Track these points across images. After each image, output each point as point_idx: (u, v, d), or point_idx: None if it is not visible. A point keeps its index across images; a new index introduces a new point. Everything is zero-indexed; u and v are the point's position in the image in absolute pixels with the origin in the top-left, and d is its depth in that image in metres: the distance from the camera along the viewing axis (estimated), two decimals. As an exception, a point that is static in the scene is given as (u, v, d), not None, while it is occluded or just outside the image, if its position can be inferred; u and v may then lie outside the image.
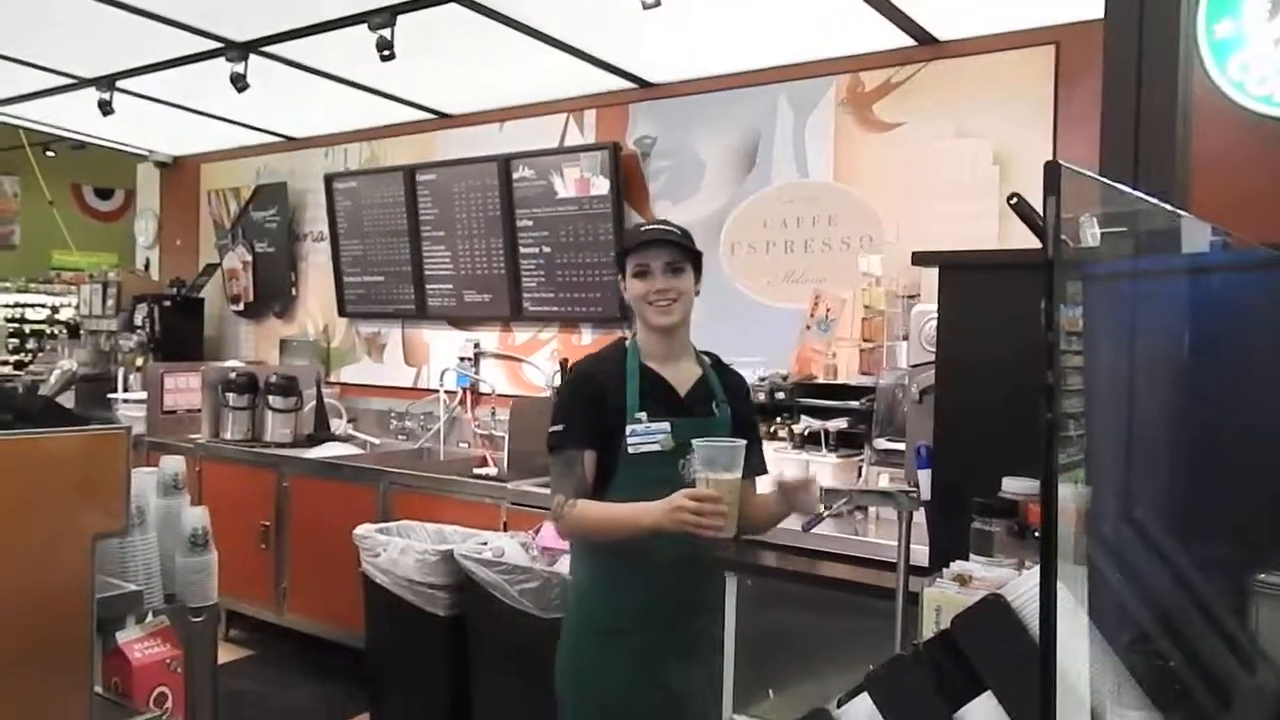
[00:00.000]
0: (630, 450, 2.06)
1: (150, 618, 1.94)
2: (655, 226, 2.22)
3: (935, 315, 2.96)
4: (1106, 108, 1.83)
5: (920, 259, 1.76)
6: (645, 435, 2.06)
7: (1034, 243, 0.98)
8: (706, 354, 2.34)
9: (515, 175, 4.78)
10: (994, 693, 1.02)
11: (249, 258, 6.09)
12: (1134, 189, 1.20)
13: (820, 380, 3.76)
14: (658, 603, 2.08)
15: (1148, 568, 1.29)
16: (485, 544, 3.54)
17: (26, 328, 10.97)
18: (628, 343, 2.23)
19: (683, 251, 2.15)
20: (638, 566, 2.07)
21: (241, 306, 6.17)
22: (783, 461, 3.44)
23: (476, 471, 4.54)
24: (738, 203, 4.25)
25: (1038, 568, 1.03)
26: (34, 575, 1.41)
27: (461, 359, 5.10)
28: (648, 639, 2.08)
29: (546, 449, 2.09)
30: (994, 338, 1.67)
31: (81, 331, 6.71)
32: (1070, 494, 1.10)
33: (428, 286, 5.22)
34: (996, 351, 1.66)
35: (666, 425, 2.08)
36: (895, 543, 1.73)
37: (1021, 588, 1.02)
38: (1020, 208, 1.75)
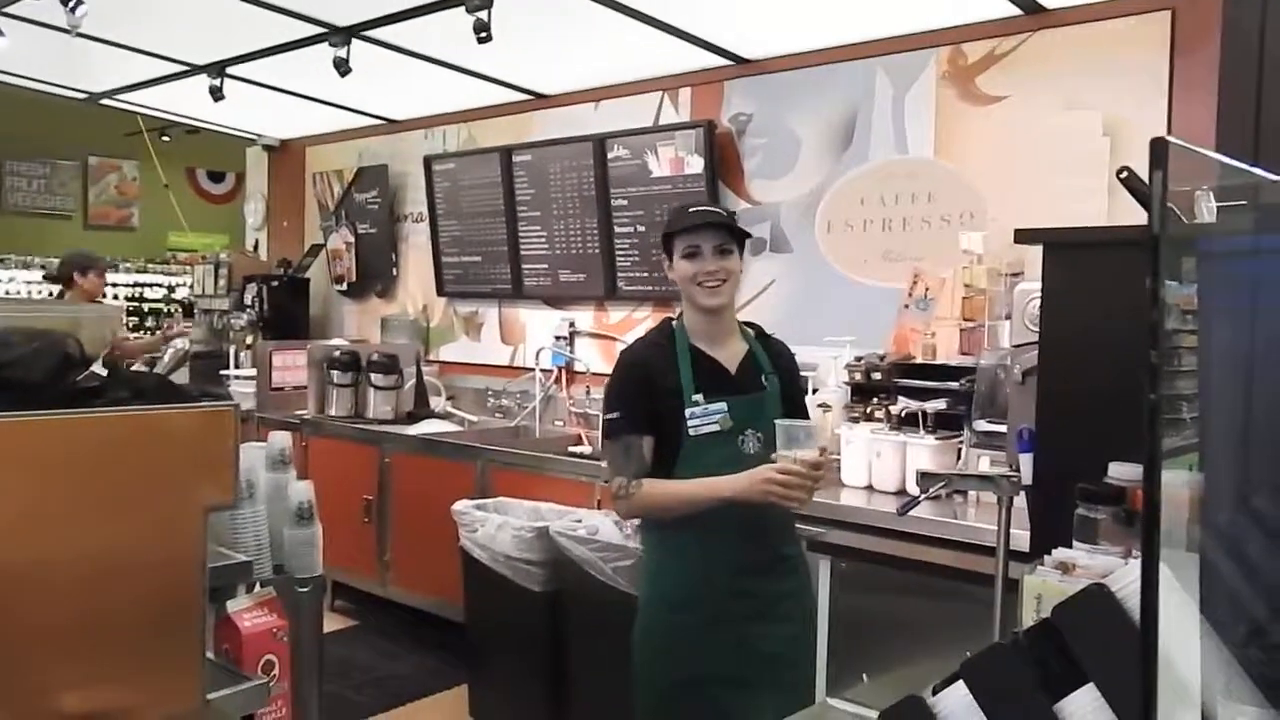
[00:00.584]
0: (691, 432, 2.13)
1: (259, 588, 2.02)
2: (703, 208, 2.29)
3: (1039, 294, 2.93)
4: (1225, 77, 1.74)
5: (1024, 237, 1.71)
6: (704, 416, 2.13)
7: (1146, 219, 0.94)
8: (749, 325, 2.42)
9: (610, 155, 4.79)
10: (1096, 685, 0.99)
11: (351, 239, 6.23)
12: (1253, 163, 1.14)
13: (918, 360, 3.70)
14: (732, 569, 2.15)
15: (1265, 558, 1.24)
16: (580, 521, 3.58)
17: (145, 306, 11.46)
18: (674, 325, 2.28)
19: (730, 233, 2.22)
20: (710, 536, 2.14)
21: (345, 286, 6.32)
22: (879, 443, 3.39)
23: (571, 449, 4.59)
24: (834, 180, 4.20)
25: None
26: (151, 546, 1.48)
27: (557, 338, 5.15)
28: (723, 606, 2.15)
29: (602, 437, 2.13)
30: (1101, 317, 1.63)
31: (196, 310, 6.98)
32: (1181, 479, 1.06)
33: (524, 266, 5.28)
34: (1103, 331, 1.61)
35: (723, 405, 2.16)
36: (994, 527, 1.70)
37: (1126, 577, 0.99)
38: (1131, 182, 1.69)
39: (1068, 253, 1.65)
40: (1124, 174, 1.61)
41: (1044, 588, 1.25)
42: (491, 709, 3.79)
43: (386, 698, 4.10)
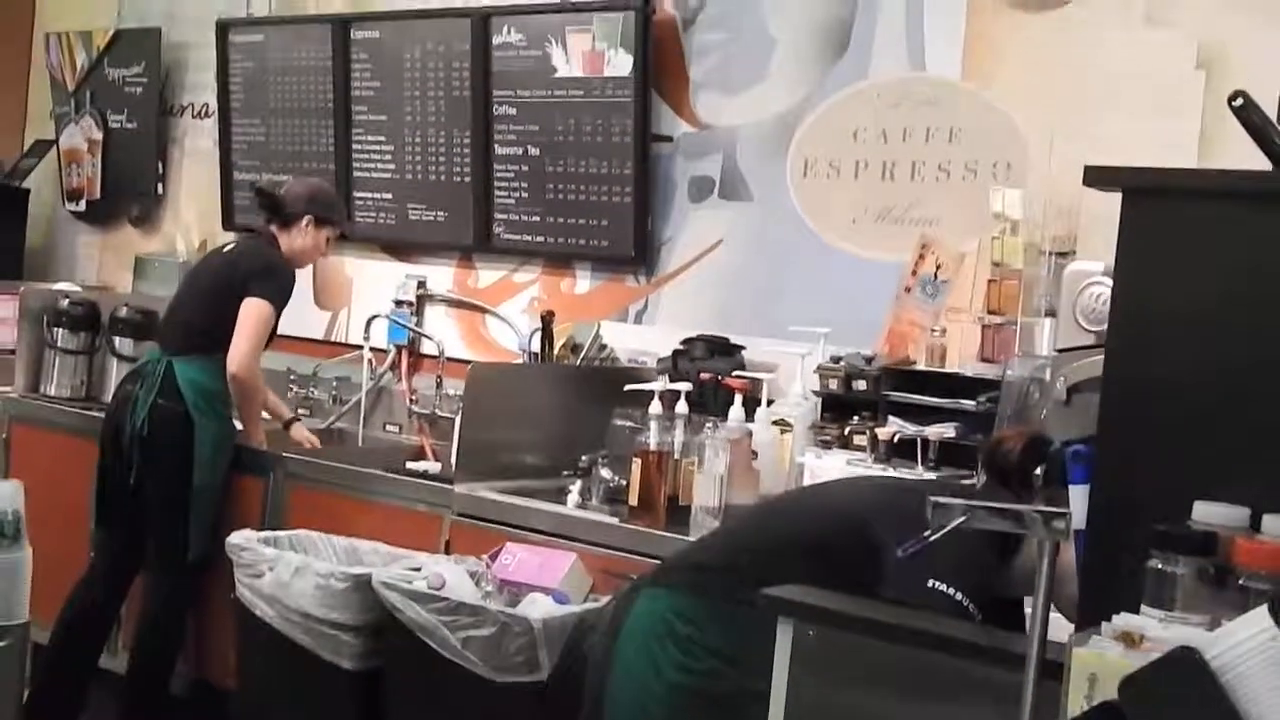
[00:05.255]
0: None
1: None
2: None
3: (1100, 279, 3.01)
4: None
5: (1097, 177, 1.75)
6: None
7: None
8: None
9: (496, 41, 4.77)
10: (1174, 791, 1.02)
11: (98, 136, 6.10)
12: None
13: (920, 366, 3.75)
14: None
15: None
16: (418, 570, 3.55)
17: None
18: None
19: None
20: None
21: (83, 206, 6.19)
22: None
23: (410, 466, 4.55)
24: (818, 102, 4.24)
25: (1255, 613, 1.03)
26: None
27: (398, 303, 5.10)
28: None
29: None
30: (1200, 298, 1.67)
31: None
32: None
33: (356, 195, 5.22)
34: (1203, 318, 1.65)
35: None
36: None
37: (1227, 642, 1.02)
38: (1246, 114, 1.75)
39: (1161, 205, 1.69)
40: (1238, 101, 1.67)
41: (1101, 664, 1.29)
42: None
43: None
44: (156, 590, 4.32)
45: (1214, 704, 1.02)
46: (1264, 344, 1.58)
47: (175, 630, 4.31)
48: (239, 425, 4.47)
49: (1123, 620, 1.37)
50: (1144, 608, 1.42)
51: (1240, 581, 1.41)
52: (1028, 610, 2.52)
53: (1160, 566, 1.44)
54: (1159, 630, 1.35)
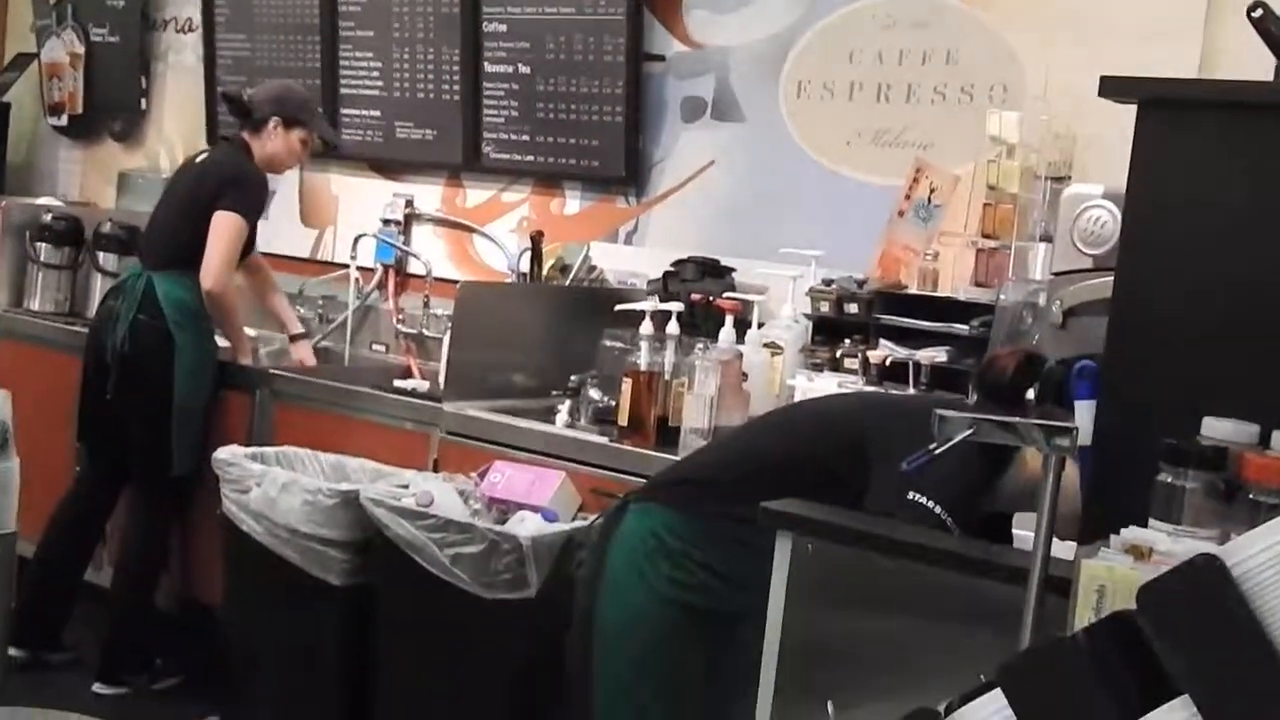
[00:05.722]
0: None
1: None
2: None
3: (1100, 202, 3.00)
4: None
5: (1113, 87, 1.73)
6: None
7: None
8: None
9: (486, -45, 4.72)
10: (1194, 699, 1.02)
11: (80, 49, 6.04)
12: None
13: (912, 290, 3.74)
14: None
15: None
16: (406, 487, 3.55)
17: None
18: None
19: None
20: None
21: (65, 121, 6.14)
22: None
23: (398, 385, 4.54)
24: (812, 21, 4.21)
25: (1274, 524, 1.02)
26: None
27: (385, 222, 5.08)
28: None
29: None
30: (1215, 214, 1.66)
31: None
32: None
33: (343, 111, 5.19)
34: (1215, 236, 1.64)
35: None
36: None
37: (1248, 550, 1.01)
38: (1266, 25, 1.73)
39: (1177, 119, 1.67)
40: (1258, 12, 1.65)
41: (1110, 577, 1.28)
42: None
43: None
44: (140, 506, 4.31)
45: (1235, 612, 1.01)
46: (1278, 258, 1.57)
47: (158, 546, 4.30)
48: (224, 342, 4.44)
49: (1131, 534, 1.37)
50: (1152, 521, 1.42)
51: (1250, 496, 1.41)
52: (1015, 530, 2.55)
53: (1170, 481, 1.45)
54: (1168, 544, 1.35)
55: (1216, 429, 1.49)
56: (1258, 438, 1.48)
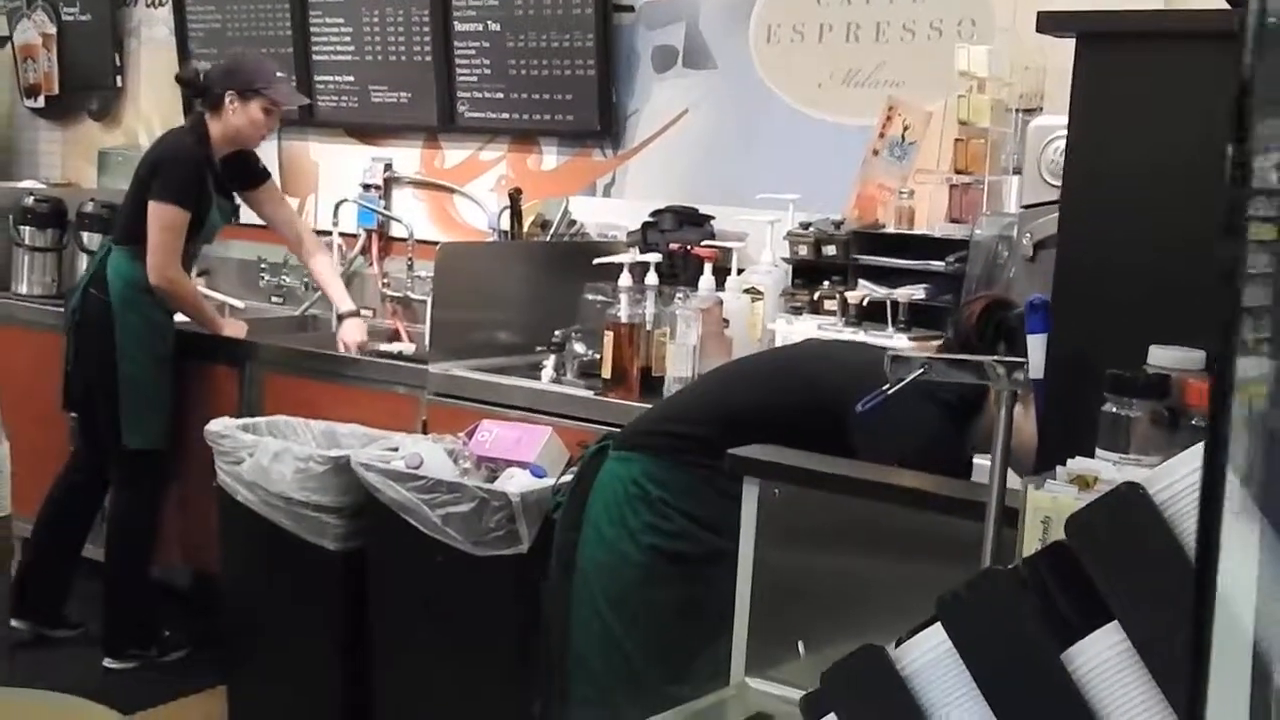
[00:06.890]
0: None
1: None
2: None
3: (1063, 134, 3.00)
4: None
5: (1051, 21, 1.73)
6: None
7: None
8: None
9: (451, -87, 4.70)
10: (1121, 624, 1.05)
11: (52, 29, 6.01)
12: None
13: (889, 229, 3.76)
14: None
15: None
16: (395, 450, 3.58)
17: None
18: None
19: None
20: None
21: (41, 102, 6.13)
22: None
23: (384, 349, 4.57)
24: (780, -36, 4.19)
25: (1196, 448, 1.04)
26: None
27: (365, 187, 5.09)
28: None
29: None
30: (1157, 148, 1.66)
31: None
32: (1256, 365, 1.10)
33: (317, 79, 5.19)
34: (1158, 169, 1.65)
35: None
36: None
37: (1171, 475, 1.04)
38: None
39: (1117, 50, 1.67)
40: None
41: (1054, 506, 1.31)
42: (261, 721, 3.81)
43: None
44: (114, 479, 4.33)
45: (1159, 538, 1.03)
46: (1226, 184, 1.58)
47: (141, 519, 4.31)
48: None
49: (1077, 464, 1.39)
50: (1099, 451, 1.44)
51: (1193, 422, 1.43)
52: (977, 461, 2.57)
53: (1115, 410, 1.46)
54: (1113, 472, 1.36)
55: (1162, 357, 1.50)
56: (1203, 364, 1.49)
